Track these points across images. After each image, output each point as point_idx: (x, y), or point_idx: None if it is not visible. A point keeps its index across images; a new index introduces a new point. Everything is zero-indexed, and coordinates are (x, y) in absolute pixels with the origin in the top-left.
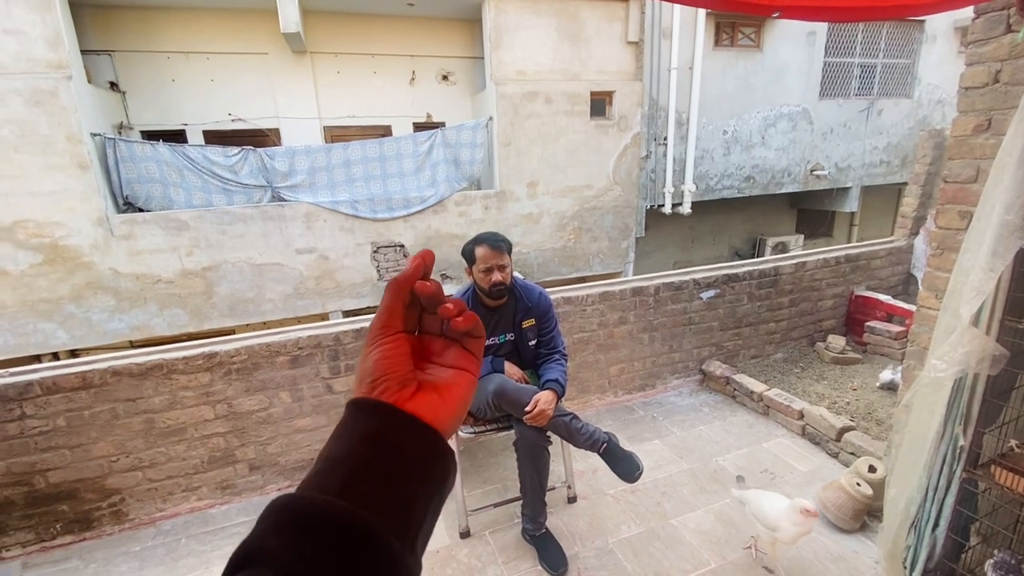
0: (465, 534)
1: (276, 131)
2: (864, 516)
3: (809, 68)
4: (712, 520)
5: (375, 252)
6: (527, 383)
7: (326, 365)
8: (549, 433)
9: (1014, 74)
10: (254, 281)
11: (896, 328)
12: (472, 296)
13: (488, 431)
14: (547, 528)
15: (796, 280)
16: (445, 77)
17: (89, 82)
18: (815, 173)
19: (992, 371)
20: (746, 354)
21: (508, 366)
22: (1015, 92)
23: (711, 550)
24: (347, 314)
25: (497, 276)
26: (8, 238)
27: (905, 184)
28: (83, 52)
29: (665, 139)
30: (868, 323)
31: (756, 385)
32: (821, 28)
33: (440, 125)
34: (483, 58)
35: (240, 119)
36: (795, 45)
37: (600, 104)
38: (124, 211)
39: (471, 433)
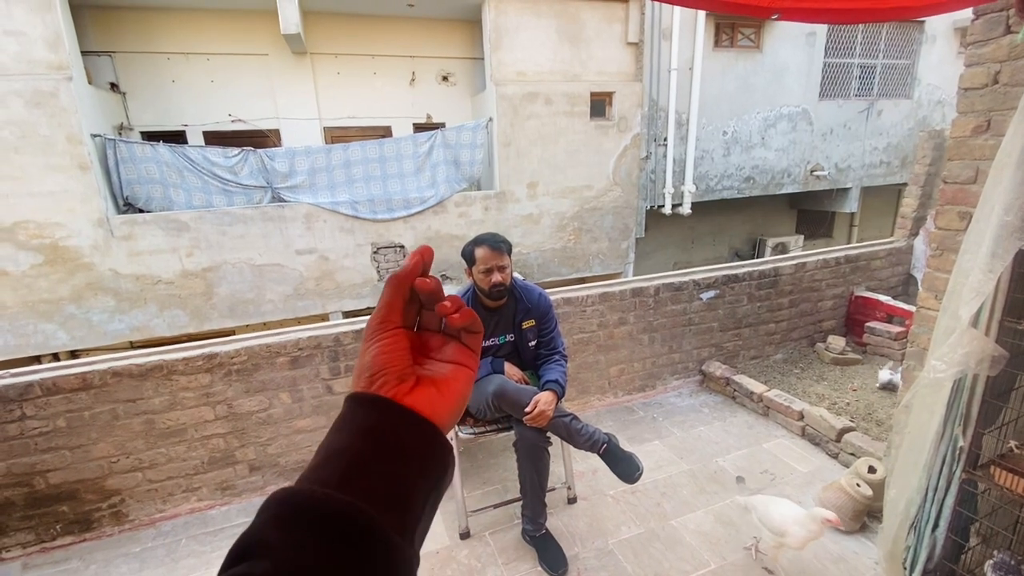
0: (465, 535)
1: (276, 132)
2: (864, 517)
3: (809, 69)
4: (712, 521)
5: (375, 253)
6: (527, 384)
7: (326, 366)
8: (549, 434)
9: (1013, 75)
10: (254, 282)
11: (896, 329)
12: (472, 297)
13: (488, 432)
14: (547, 529)
15: (796, 281)
16: (445, 78)
17: (89, 83)
18: (815, 174)
19: (991, 372)
20: (746, 355)
21: (508, 367)
22: (1014, 93)
23: (711, 551)
24: (347, 315)
25: (497, 277)
26: (9, 239)
27: (905, 185)
28: (83, 53)
29: (665, 140)
30: (868, 324)
31: (756, 386)
32: (821, 29)
33: (440, 126)
34: (483, 59)
35: (240, 120)
36: (795, 46)
37: (600, 105)
38: (124, 212)
39: (471, 434)
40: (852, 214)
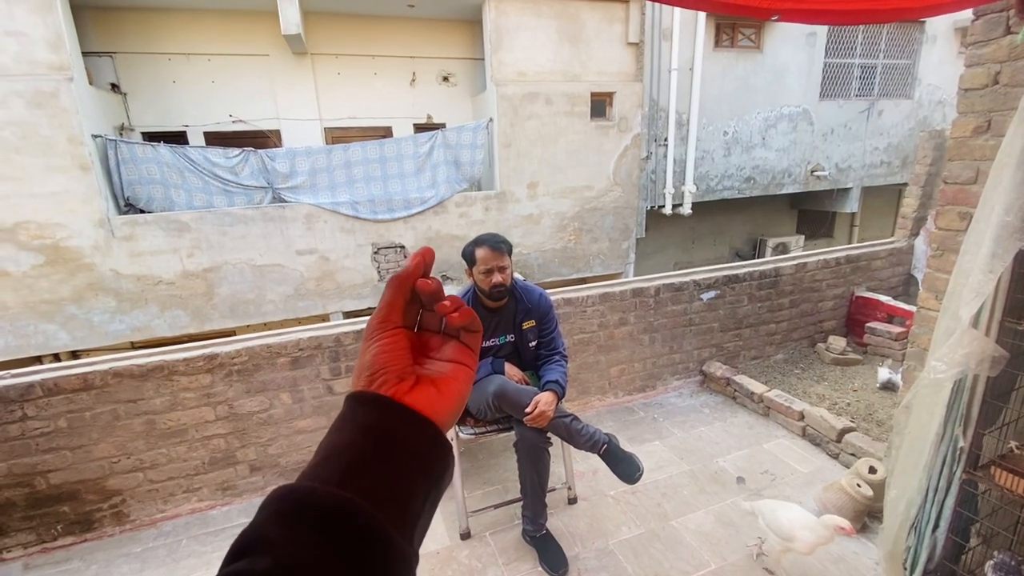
0: (465, 535)
1: (277, 132)
2: (864, 517)
3: (809, 69)
4: (712, 521)
5: (375, 253)
6: (527, 384)
7: (327, 366)
8: (549, 434)
9: (1013, 76)
10: (255, 282)
11: (897, 329)
12: (472, 297)
13: (488, 432)
14: (547, 529)
15: (797, 281)
16: (446, 78)
17: (90, 84)
18: (815, 174)
19: (992, 372)
20: (746, 355)
21: (508, 367)
22: (1014, 94)
23: (711, 551)
24: (348, 315)
25: (497, 277)
26: (10, 239)
27: (905, 185)
28: (84, 54)
29: (665, 140)
30: (869, 324)
31: (756, 386)
32: (821, 29)
33: (441, 126)
34: (483, 59)
35: (241, 120)
36: (795, 46)
37: (600, 105)
38: (125, 212)
39: (472, 434)
40: (853, 214)
